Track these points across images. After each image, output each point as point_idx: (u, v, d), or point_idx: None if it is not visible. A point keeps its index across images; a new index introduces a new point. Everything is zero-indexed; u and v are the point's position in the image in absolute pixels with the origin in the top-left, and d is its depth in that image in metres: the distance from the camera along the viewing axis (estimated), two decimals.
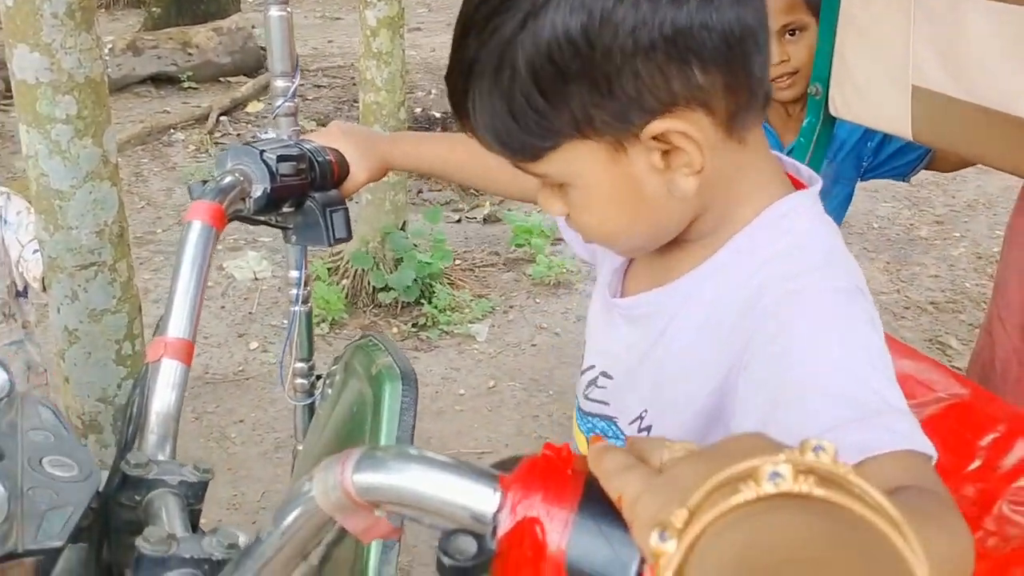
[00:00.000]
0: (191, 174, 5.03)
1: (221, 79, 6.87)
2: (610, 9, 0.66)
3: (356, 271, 3.83)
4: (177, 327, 0.82)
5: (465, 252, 4.36)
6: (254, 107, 6.28)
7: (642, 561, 0.41)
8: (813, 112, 1.68)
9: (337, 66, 7.31)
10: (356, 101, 4.12)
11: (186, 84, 6.69)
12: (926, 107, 1.40)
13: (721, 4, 0.67)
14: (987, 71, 1.30)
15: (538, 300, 3.96)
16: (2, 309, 2.19)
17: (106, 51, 6.14)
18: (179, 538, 0.61)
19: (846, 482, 0.37)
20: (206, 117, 5.97)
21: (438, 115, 5.71)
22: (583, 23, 0.66)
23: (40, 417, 0.71)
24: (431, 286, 3.83)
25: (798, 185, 0.81)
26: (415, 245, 3.91)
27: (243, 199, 0.96)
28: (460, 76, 0.73)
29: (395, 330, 3.66)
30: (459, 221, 4.71)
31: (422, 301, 3.78)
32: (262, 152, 0.97)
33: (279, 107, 1.32)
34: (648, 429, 0.84)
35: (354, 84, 5.85)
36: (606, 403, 0.89)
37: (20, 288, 2.21)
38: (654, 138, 0.70)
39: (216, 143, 5.67)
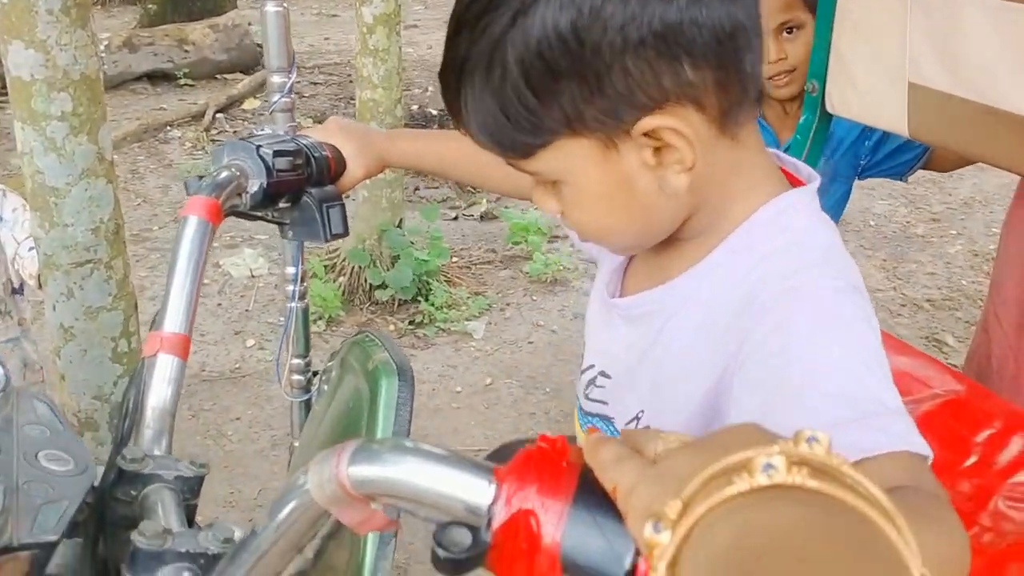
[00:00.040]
0: (187, 171, 5.03)
1: (217, 76, 6.86)
2: (599, 6, 0.66)
3: (353, 268, 3.83)
4: (173, 322, 0.82)
5: (462, 249, 4.36)
6: (251, 104, 6.27)
7: (636, 553, 0.41)
8: (810, 109, 1.68)
9: (334, 63, 7.31)
10: (353, 98, 4.12)
11: (182, 81, 6.68)
12: (923, 104, 1.40)
13: (711, 1, 0.67)
14: (984, 68, 1.30)
15: (535, 297, 3.96)
16: None
17: (102, 48, 6.13)
18: (174, 532, 0.61)
19: (839, 473, 0.37)
20: (202, 114, 5.96)
21: (435, 112, 5.71)
22: (572, 20, 0.66)
23: (36, 412, 0.71)
24: (428, 283, 3.83)
25: (796, 182, 0.81)
26: (412, 243, 3.91)
27: (239, 194, 0.96)
28: (452, 74, 0.73)
29: (392, 328, 3.66)
30: (456, 218, 4.71)
31: (419, 299, 3.78)
32: (258, 147, 0.97)
33: (275, 103, 1.32)
34: None
35: (351, 81, 5.84)
36: (604, 403, 0.89)
37: (16, 285, 2.21)
38: (645, 135, 0.70)
39: (213, 140, 5.66)
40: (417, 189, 4.91)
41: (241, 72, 6.92)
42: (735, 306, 0.74)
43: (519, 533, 0.42)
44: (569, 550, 0.41)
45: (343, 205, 1.06)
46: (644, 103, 0.69)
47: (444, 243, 4.02)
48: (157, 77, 6.70)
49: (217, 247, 4.23)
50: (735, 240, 0.77)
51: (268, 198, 0.99)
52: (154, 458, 0.71)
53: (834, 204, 1.89)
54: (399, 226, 3.89)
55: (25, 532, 0.58)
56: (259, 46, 6.38)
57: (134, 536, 0.60)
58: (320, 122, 1.17)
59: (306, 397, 1.47)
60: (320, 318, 3.61)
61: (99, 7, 8.78)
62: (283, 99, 1.31)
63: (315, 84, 6.78)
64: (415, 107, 5.83)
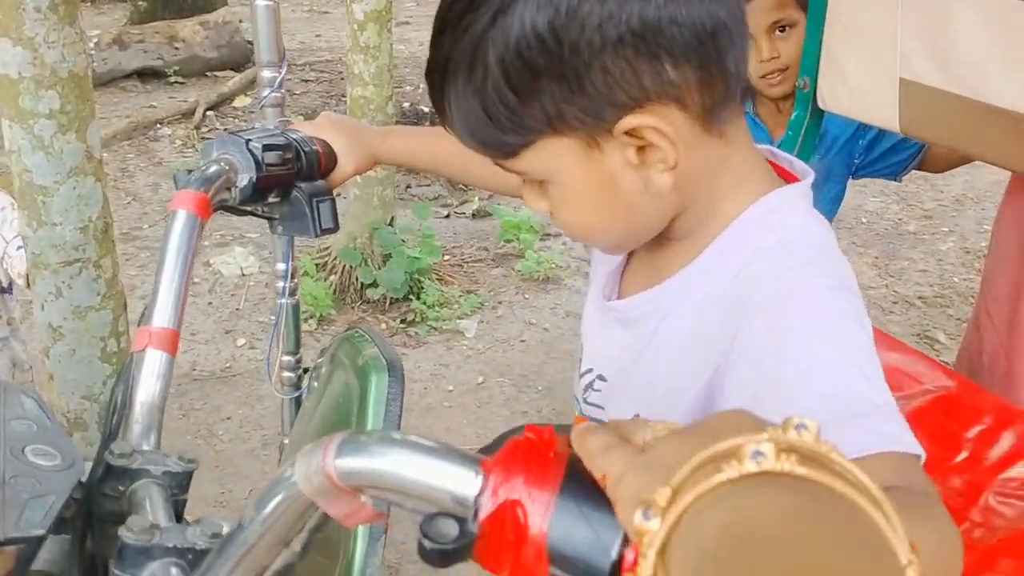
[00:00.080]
0: (177, 169, 5.00)
1: (208, 74, 6.84)
2: (576, 5, 0.66)
3: (344, 267, 3.82)
4: (162, 317, 0.81)
5: (454, 248, 4.35)
6: (241, 102, 6.25)
7: (623, 543, 0.41)
8: (801, 106, 1.68)
9: (325, 60, 7.29)
10: (344, 95, 4.11)
11: (172, 79, 6.65)
12: (914, 100, 1.41)
13: None
14: (974, 64, 1.30)
15: (527, 296, 3.96)
16: None
17: (92, 45, 6.10)
18: (162, 528, 0.61)
19: (828, 460, 0.37)
20: (193, 112, 5.94)
21: (426, 110, 5.70)
22: (550, 19, 0.66)
23: (23, 407, 0.71)
24: (420, 282, 3.82)
25: (791, 179, 0.81)
26: (403, 241, 3.90)
27: (228, 189, 0.95)
28: (437, 74, 0.73)
29: (383, 326, 3.66)
30: (448, 216, 4.71)
31: (410, 297, 3.78)
32: (248, 141, 0.97)
33: (265, 97, 1.31)
34: None
35: (342, 78, 5.83)
36: (601, 407, 0.90)
37: (5, 284, 2.20)
38: (627, 134, 0.70)
39: (203, 138, 5.64)
40: (409, 187, 4.91)
41: (232, 70, 6.90)
42: (728, 305, 0.73)
43: (506, 524, 0.42)
44: (556, 540, 0.41)
45: (333, 200, 1.06)
46: (625, 102, 0.69)
47: (436, 241, 4.02)
48: (147, 74, 6.67)
49: (208, 245, 4.22)
50: (726, 239, 0.77)
51: (258, 192, 0.99)
52: (142, 453, 0.71)
53: (828, 203, 1.89)
54: (390, 224, 3.88)
55: (11, 527, 0.58)
56: (250, 43, 6.35)
57: (122, 531, 0.59)
58: (311, 119, 1.16)
59: (296, 394, 1.47)
60: (311, 317, 3.60)
61: (89, 4, 8.75)
62: (273, 94, 1.30)
63: (306, 81, 6.76)
64: (406, 104, 5.82)
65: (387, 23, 3.67)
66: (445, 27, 0.71)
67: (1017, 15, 1.23)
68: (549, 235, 4.39)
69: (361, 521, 0.48)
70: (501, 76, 0.69)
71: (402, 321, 3.69)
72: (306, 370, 1.43)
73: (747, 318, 0.71)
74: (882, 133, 1.86)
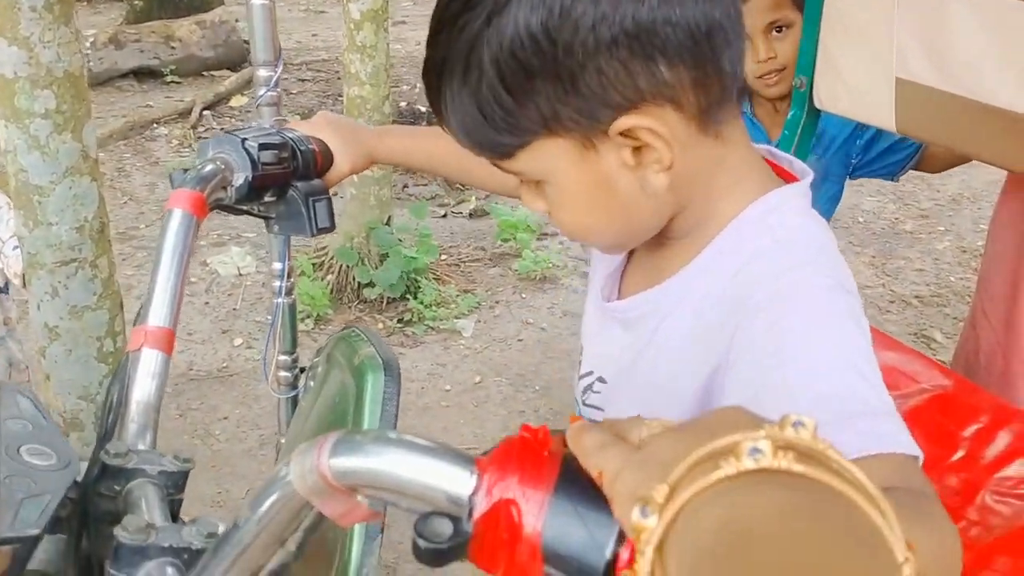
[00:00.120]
0: (174, 168, 4.99)
1: (204, 73, 6.83)
2: (569, 5, 0.66)
3: (341, 267, 3.82)
4: (158, 316, 0.81)
5: (451, 247, 4.35)
6: (238, 101, 6.25)
7: (617, 542, 0.41)
8: (798, 105, 1.68)
9: (321, 60, 7.28)
10: (340, 95, 4.11)
11: (169, 78, 6.64)
12: (910, 99, 1.41)
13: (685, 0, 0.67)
14: (971, 63, 1.31)
15: (524, 295, 3.96)
16: None
17: (88, 44, 6.10)
18: (158, 527, 0.60)
19: (825, 458, 0.37)
20: (189, 111, 5.93)
21: (423, 109, 5.69)
22: (543, 20, 0.66)
23: (18, 406, 0.71)
24: (416, 281, 3.82)
25: (790, 178, 0.81)
26: (400, 240, 3.90)
27: (224, 188, 0.95)
28: (433, 73, 0.74)
29: (380, 326, 3.66)
30: (445, 216, 4.71)
31: (407, 297, 3.77)
32: (244, 140, 0.97)
33: (261, 96, 1.31)
34: None
35: (338, 78, 5.83)
36: (600, 409, 0.89)
37: (1, 284, 2.19)
38: (622, 134, 0.70)
39: (199, 138, 5.63)
40: (406, 186, 4.90)
41: (228, 69, 6.89)
42: (727, 305, 0.73)
43: (500, 523, 0.42)
44: (550, 540, 0.41)
45: (329, 199, 1.06)
46: (619, 103, 0.69)
47: (433, 241, 4.01)
48: (143, 74, 6.66)
49: (204, 245, 4.21)
50: (725, 239, 0.77)
51: (254, 191, 0.99)
52: (138, 453, 0.71)
53: (826, 203, 1.89)
54: (387, 224, 3.88)
55: (6, 526, 0.58)
56: (246, 42, 6.35)
57: (117, 531, 0.59)
58: (307, 118, 1.16)
59: (293, 394, 1.47)
60: (308, 316, 3.60)
61: (85, 3, 8.73)
62: (269, 93, 1.30)
63: (303, 81, 6.76)
64: (403, 104, 5.82)
65: (383, 22, 3.67)
66: (441, 27, 0.72)
67: (1014, 14, 1.23)
68: (546, 235, 4.39)
69: (356, 520, 0.48)
70: (496, 77, 0.69)
71: (399, 321, 3.69)
72: (302, 370, 1.43)
73: (746, 318, 0.70)
74: (880, 133, 1.86)
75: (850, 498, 0.36)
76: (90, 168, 1.83)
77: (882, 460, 0.60)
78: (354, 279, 3.79)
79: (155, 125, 5.80)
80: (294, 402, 1.48)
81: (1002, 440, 1.21)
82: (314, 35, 8.20)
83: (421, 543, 0.42)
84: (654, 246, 0.82)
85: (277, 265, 1.39)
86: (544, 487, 0.42)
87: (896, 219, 4.84)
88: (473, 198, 4.80)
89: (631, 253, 0.89)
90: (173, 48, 6.73)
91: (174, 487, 0.70)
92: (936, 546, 0.51)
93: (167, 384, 0.80)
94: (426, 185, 4.94)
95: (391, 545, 2.38)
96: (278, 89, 1.34)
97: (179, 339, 0.86)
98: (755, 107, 1.89)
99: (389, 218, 3.91)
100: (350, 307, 3.77)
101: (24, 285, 1.97)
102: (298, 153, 1.03)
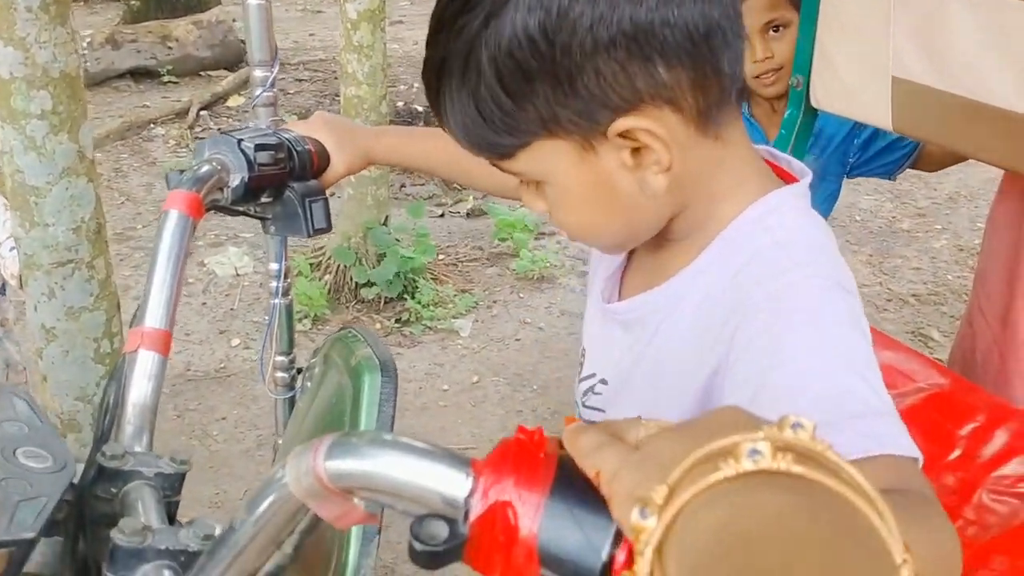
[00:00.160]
0: (171, 169, 4.99)
1: (201, 73, 6.82)
2: (567, 7, 0.66)
3: (338, 267, 3.81)
4: (154, 317, 0.81)
5: (448, 247, 4.35)
6: (235, 101, 6.24)
7: (613, 544, 0.40)
8: (794, 104, 1.68)
9: (318, 60, 7.27)
10: (338, 95, 4.10)
11: (166, 78, 6.63)
12: (906, 98, 1.41)
13: (684, 0, 0.67)
14: (969, 63, 1.30)
15: (522, 295, 3.96)
16: None
17: (84, 45, 6.08)
18: (155, 529, 0.60)
19: (824, 459, 0.37)
20: (186, 112, 5.92)
21: (420, 109, 5.69)
22: (541, 21, 0.66)
23: (15, 409, 0.71)
24: (414, 281, 3.82)
25: (789, 178, 0.81)
26: (398, 240, 3.90)
27: (221, 189, 0.95)
28: (433, 74, 0.74)
29: (378, 326, 3.65)
30: (442, 215, 4.70)
31: (405, 296, 3.77)
32: (240, 141, 0.96)
33: (258, 97, 1.31)
34: None
35: (336, 78, 5.81)
36: (602, 410, 0.89)
37: None
38: (621, 136, 0.70)
39: (197, 138, 5.63)
40: (403, 186, 4.90)
41: (225, 69, 6.88)
42: (727, 306, 0.73)
43: (496, 525, 0.42)
44: (546, 542, 0.41)
45: (326, 200, 1.06)
46: (618, 104, 0.69)
47: (430, 240, 4.01)
48: (140, 74, 6.64)
49: (202, 245, 4.21)
50: (725, 239, 0.77)
51: (250, 192, 0.99)
52: (135, 455, 0.70)
53: (823, 202, 1.90)
54: (385, 223, 3.88)
55: (2, 529, 0.58)
56: (243, 42, 6.33)
57: (113, 533, 0.59)
58: (304, 119, 1.16)
59: (290, 395, 1.46)
60: (306, 317, 3.60)
61: (81, 3, 8.71)
62: (265, 93, 1.30)
63: (300, 81, 6.75)
64: (400, 104, 5.81)
65: (380, 22, 3.67)
66: (440, 27, 0.72)
67: (1012, 14, 1.23)
68: (544, 234, 4.39)
69: (352, 523, 0.48)
70: (494, 78, 0.69)
71: (397, 320, 3.69)
72: (300, 370, 1.42)
73: (746, 318, 0.70)
74: (877, 132, 1.86)
75: (848, 499, 0.36)
76: (87, 169, 1.83)
77: (881, 462, 0.60)
78: (351, 279, 3.78)
79: (152, 125, 5.79)
80: (291, 403, 1.47)
81: (999, 439, 1.22)
82: (311, 35, 8.19)
83: (417, 545, 0.42)
84: (654, 247, 0.82)
85: (274, 266, 1.39)
86: (540, 489, 0.42)
87: (893, 218, 4.84)
88: (471, 198, 4.80)
89: (631, 254, 0.88)
90: (170, 48, 6.72)
91: (171, 489, 0.70)
92: (935, 548, 0.51)
93: (164, 385, 0.80)
94: (423, 185, 4.93)
95: (389, 545, 2.37)
96: (275, 89, 1.34)
97: (176, 339, 0.86)
98: (752, 107, 1.89)
99: (386, 218, 3.91)
100: (347, 307, 3.77)
101: (21, 286, 1.97)
102: (294, 154, 1.03)
